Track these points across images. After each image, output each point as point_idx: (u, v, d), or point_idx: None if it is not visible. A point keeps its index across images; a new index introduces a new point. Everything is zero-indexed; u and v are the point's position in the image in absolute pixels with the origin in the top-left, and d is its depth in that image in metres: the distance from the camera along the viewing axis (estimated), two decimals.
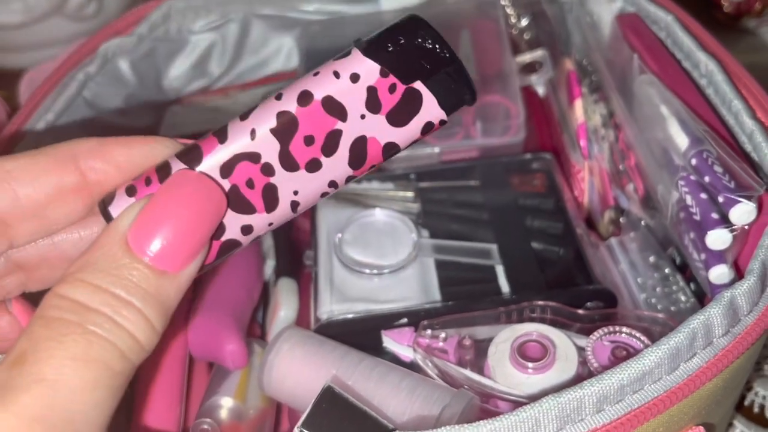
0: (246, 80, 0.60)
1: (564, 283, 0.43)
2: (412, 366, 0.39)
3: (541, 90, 0.59)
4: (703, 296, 0.41)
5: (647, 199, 0.44)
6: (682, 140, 0.38)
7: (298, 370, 0.37)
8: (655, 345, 0.28)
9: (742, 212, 0.33)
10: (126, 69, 0.53)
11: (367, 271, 0.43)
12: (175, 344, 0.40)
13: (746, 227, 0.34)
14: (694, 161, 0.37)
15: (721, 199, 0.34)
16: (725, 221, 0.34)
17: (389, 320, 0.41)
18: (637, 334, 0.37)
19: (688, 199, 0.37)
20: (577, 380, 0.36)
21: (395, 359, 0.40)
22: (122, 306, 0.23)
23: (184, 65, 0.58)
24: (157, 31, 0.55)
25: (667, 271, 0.43)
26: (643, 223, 0.45)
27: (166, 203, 0.25)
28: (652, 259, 0.44)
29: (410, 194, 0.48)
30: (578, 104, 0.50)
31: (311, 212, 0.48)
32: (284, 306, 0.45)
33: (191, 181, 0.25)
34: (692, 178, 0.37)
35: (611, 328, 0.38)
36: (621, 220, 0.47)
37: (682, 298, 0.42)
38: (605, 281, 0.42)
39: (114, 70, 0.53)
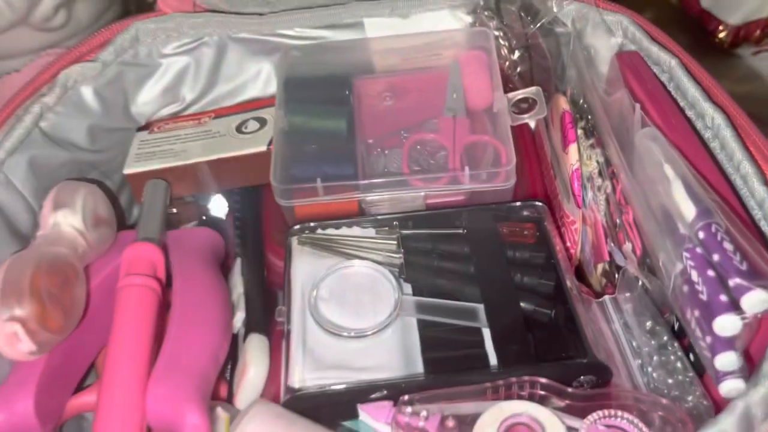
0: (221, 106, 0.56)
1: (554, 350, 0.40)
2: None
3: (532, 124, 0.56)
4: (702, 369, 0.38)
5: (645, 259, 0.41)
6: (688, 209, 0.35)
7: None
8: None
9: (756, 301, 0.30)
10: (89, 97, 0.50)
11: (345, 333, 0.40)
12: (131, 412, 0.36)
13: (759, 315, 0.31)
14: (701, 234, 0.34)
15: (731, 284, 0.31)
16: (735, 306, 0.31)
17: (367, 393, 0.37)
18: (635, 420, 0.34)
19: (694, 275, 0.34)
20: None
21: None
22: None
23: (154, 90, 0.54)
24: (125, 55, 0.51)
25: (664, 338, 0.40)
26: (640, 284, 0.42)
27: None
28: (648, 324, 0.41)
29: (392, 243, 0.45)
30: (573, 149, 0.47)
31: (286, 261, 0.45)
32: (254, 366, 0.42)
33: None
34: (699, 251, 0.34)
35: (607, 412, 0.35)
36: (616, 275, 0.44)
37: (680, 368, 0.39)
38: (598, 348, 0.39)
39: (75, 99, 0.49)
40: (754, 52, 0.75)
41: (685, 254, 0.35)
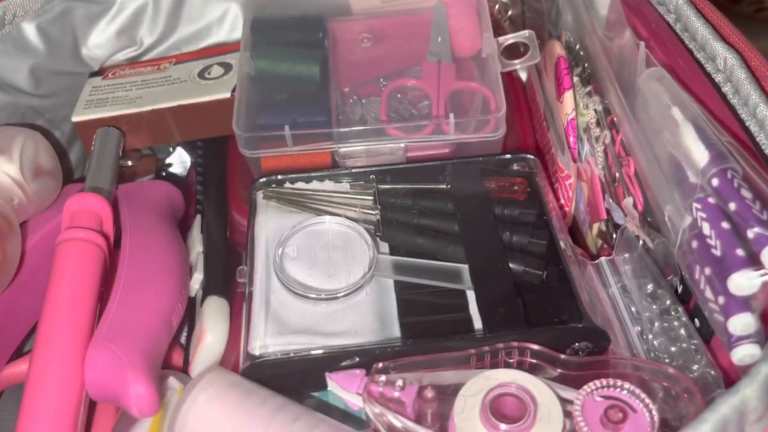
0: (182, 51, 0.51)
1: (547, 315, 0.36)
2: (362, 419, 0.32)
3: (524, 74, 0.52)
4: (709, 335, 0.35)
5: (647, 216, 0.37)
6: (700, 154, 0.31)
7: (218, 427, 0.30)
8: None
9: None
10: (32, 34, 0.44)
11: (313, 295, 0.36)
12: (66, 381, 0.32)
13: None
14: (715, 182, 0.30)
15: (750, 234, 0.27)
16: (753, 261, 0.28)
17: (336, 360, 0.33)
18: (637, 391, 0.30)
19: (705, 228, 0.30)
20: None
21: (342, 410, 0.33)
22: None
23: (107, 31, 0.49)
24: None
25: (667, 302, 0.36)
26: (641, 243, 0.38)
27: None
28: (649, 287, 0.37)
29: (368, 198, 0.41)
30: (568, 97, 0.42)
31: (249, 217, 0.40)
32: (211, 331, 0.37)
33: None
34: (711, 201, 0.30)
35: (605, 382, 0.31)
36: (613, 236, 0.40)
37: (684, 335, 0.35)
38: (595, 312, 0.36)
39: (16, 36, 0.44)
40: (756, 10, 0.71)
41: (696, 205, 0.31)
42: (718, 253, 0.29)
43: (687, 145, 0.32)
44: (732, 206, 0.29)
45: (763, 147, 0.33)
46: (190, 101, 0.46)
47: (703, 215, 0.30)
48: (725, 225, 0.29)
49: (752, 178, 0.29)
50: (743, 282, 0.28)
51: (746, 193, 0.29)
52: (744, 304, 0.28)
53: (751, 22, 0.70)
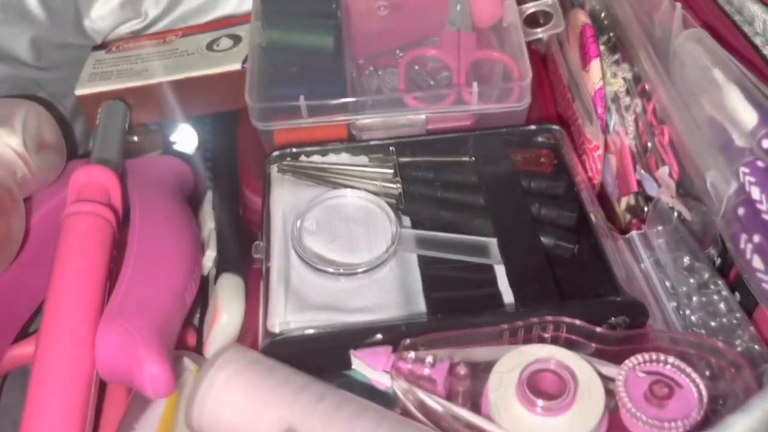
0: (189, 24, 0.49)
1: (581, 290, 0.34)
2: (390, 398, 0.30)
3: (541, 47, 0.50)
4: (752, 308, 0.33)
5: (683, 185, 0.36)
6: (748, 115, 0.29)
7: (238, 408, 0.28)
8: (742, 411, 0.20)
9: None
10: (33, 3, 0.43)
11: (332, 270, 0.34)
12: (75, 360, 0.30)
13: None
14: (765, 143, 0.28)
15: None
16: None
17: (361, 337, 0.32)
18: (683, 366, 0.29)
19: (755, 192, 0.28)
20: (601, 426, 0.28)
21: (368, 388, 0.31)
22: None
23: (110, 3, 0.47)
24: None
25: (706, 276, 0.35)
26: (675, 215, 0.36)
27: None
28: (686, 260, 0.35)
29: (389, 171, 0.39)
30: (595, 66, 0.41)
31: (264, 192, 0.39)
32: (226, 310, 0.35)
33: None
34: (760, 164, 0.29)
35: (648, 356, 0.29)
36: (645, 209, 0.39)
37: (724, 309, 0.34)
38: (632, 287, 0.34)
39: (17, 4, 0.42)
40: None
41: (743, 170, 0.29)
42: (767, 217, 0.28)
43: (732, 107, 0.30)
44: None
45: None
46: (198, 73, 0.44)
47: (752, 179, 0.29)
48: None
49: None
50: None
51: None
52: None
53: None
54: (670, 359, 0.29)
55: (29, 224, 0.37)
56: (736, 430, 0.19)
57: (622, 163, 0.40)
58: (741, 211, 0.30)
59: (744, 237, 0.30)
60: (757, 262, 0.29)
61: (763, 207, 0.28)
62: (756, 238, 0.29)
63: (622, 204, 0.41)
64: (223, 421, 0.28)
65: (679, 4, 0.35)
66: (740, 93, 0.30)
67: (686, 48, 0.34)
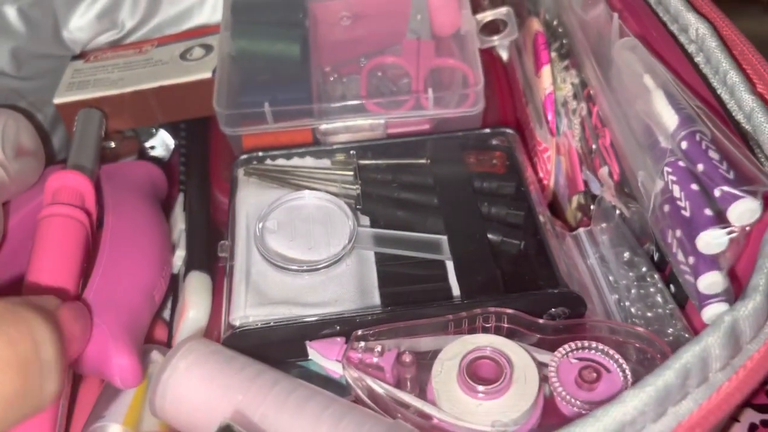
0: (164, 34, 0.51)
1: (524, 283, 0.36)
2: (344, 386, 0.33)
3: (504, 54, 0.52)
4: (684, 300, 0.35)
5: (623, 185, 0.38)
6: (670, 118, 0.31)
7: (197, 394, 0.30)
8: (638, 386, 0.22)
9: (744, 210, 0.27)
10: (12, 16, 0.45)
11: (294, 267, 0.36)
12: None
13: (747, 228, 0.28)
14: (684, 144, 0.30)
15: (717, 193, 0.28)
16: (720, 220, 0.28)
17: (316, 329, 0.34)
18: (611, 352, 0.31)
19: (676, 190, 0.31)
20: (536, 407, 0.31)
21: (324, 378, 0.33)
22: None
23: (88, 14, 0.49)
24: None
25: (643, 269, 0.37)
26: (617, 212, 0.38)
27: None
28: (626, 255, 0.38)
29: (350, 173, 0.41)
30: (546, 72, 0.43)
31: (231, 194, 0.41)
32: (194, 305, 0.38)
33: None
34: (681, 164, 0.31)
35: (579, 344, 0.32)
36: (592, 207, 0.41)
37: (660, 300, 0.36)
38: (572, 280, 0.36)
39: None
40: None
41: (667, 169, 0.31)
42: (687, 214, 0.30)
43: (658, 111, 0.32)
44: (700, 167, 0.29)
45: (733, 113, 0.34)
46: (171, 82, 0.46)
47: (674, 178, 0.31)
48: (694, 186, 0.30)
49: (720, 140, 0.29)
50: (711, 240, 0.28)
51: (714, 155, 0.29)
52: (712, 263, 0.29)
53: (736, 3, 0.70)
54: (599, 346, 0.31)
55: (7, 227, 0.39)
56: (630, 402, 0.21)
57: (571, 164, 0.42)
58: (666, 207, 0.32)
59: (670, 232, 0.32)
60: (680, 255, 0.31)
61: (682, 204, 0.30)
62: (678, 233, 0.31)
63: (573, 203, 0.44)
64: (184, 406, 0.30)
65: (616, 15, 0.37)
66: (665, 97, 0.32)
67: (622, 56, 0.36)
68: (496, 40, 0.46)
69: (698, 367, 0.22)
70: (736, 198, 0.27)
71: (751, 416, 0.40)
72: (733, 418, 0.40)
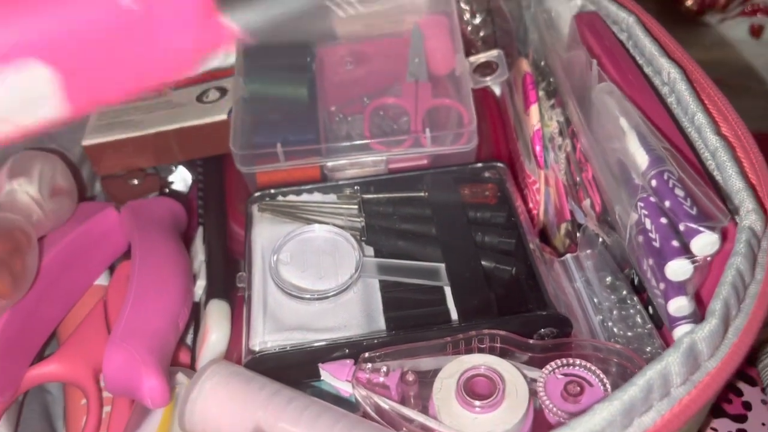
0: None
1: (516, 306, 0.40)
2: (353, 403, 0.36)
3: (497, 91, 0.56)
4: (661, 321, 0.38)
5: (604, 216, 0.41)
6: (641, 158, 0.35)
7: (222, 412, 0.34)
8: (607, 400, 0.25)
9: (705, 243, 0.31)
10: None
11: (307, 296, 0.40)
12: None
13: (709, 258, 0.31)
14: (654, 182, 0.34)
15: (682, 228, 0.32)
16: (686, 251, 0.32)
17: (328, 352, 0.37)
18: (593, 368, 0.35)
19: (647, 223, 0.34)
20: (527, 419, 0.34)
21: (334, 396, 0.37)
22: None
23: None
24: None
25: (624, 293, 0.40)
26: (600, 240, 0.42)
27: None
28: (608, 279, 0.41)
29: (354, 207, 0.45)
30: (534, 110, 0.47)
31: (246, 228, 0.44)
32: (215, 331, 0.41)
33: None
34: (652, 200, 0.34)
35: (564, 361, 0.35)
36: (578, 235, 0.44)
37: (639, 321, 0.39)
38: (559, 303, 0.40)
39: None
40: (720, 20, 0.75)
41: (639, 204, 0.35)
42: (657, 245, 0.33)
43: (631, 151, 0.36)
44: (667, 203, 0.33)
45: (700, 151, 0.37)
46: (190, 124, 0.50)
47: (646, 212, 0.35)
48: (663, 220, 0.33)
49: (685, 180, 0.33)
50: (678, 269, 0.32)
51: (679, 192, 0.33)
52: (680, 288, 0.32)
53: (690, 24, 0.74)
54: (582, 362, 0.35)
55: (43, 261, 0.42)
56: (599, 414, 0.25)
57: (558, 194, 0.46)
58: (640, 238, 0.35)
59: (644, 261, 0.35)
60: (653, 281, 0.35)
61: (653, 235, 0.34)
62: (650, 261, 0.34)
63: (562, 231, 0.47)
64: (210, 422, 0.33)
65: (594, 61, 0.41)
66: (638, 139, 0.36)
67: (600, 99, 0.40)
68: (488, 80, 0.50)
69: (660, 383, 0.26)
70: (698, 232, 0.31)
71: (727, 426, 0.43)
72: (711, 428, 0.43)
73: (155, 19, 0.25)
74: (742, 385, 0.46)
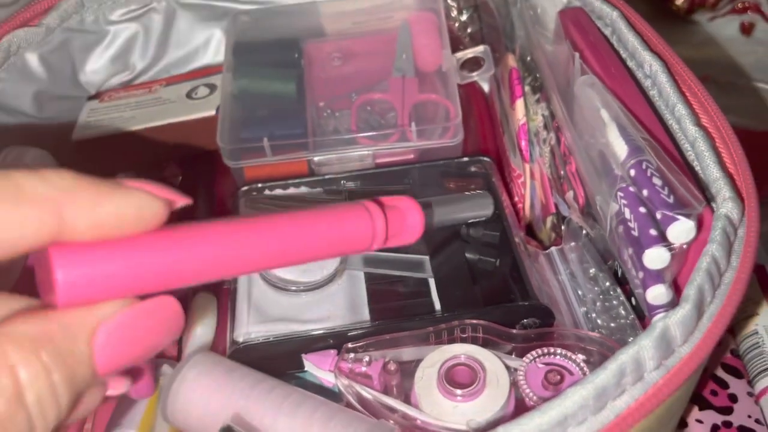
0: (172, 73, 0.56)
1: (499, 297, 0.40)
2: (336, 394, 0.36)
3: (485, 86, 0.56)
4: (643, 312, 0.39)
5: (587, 208, 0.42)
6: (621, 148, 0.35)
7: (205, 401, 0.34)
8: (579, 384, 0.26)
9: (680, 230, 0.31)
10: (35, 63, 0.49)
11: (292, 288, 0.40)
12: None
13: (685, 246, 0.31)
14: (632, 172, 0.34)
15: (659, 216, 0.32)
16: (664, 239, 0.32)
17: (311, 343, 0.38)
18: (573, 356, 0.35)
19: (627, 213, 0.34)
20: (508, 408, 0.34)
21: (318, 386, 0.37)
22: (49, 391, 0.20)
23: (102, 58, 0.53)
24: (70, 21, 0.50)
25: (607, 284, 0.41)
26: (584, 232, 0.42)
27: (146, 329, 0.22)
28: (592, 271, 0.41)
29: (340, 201, 0.45)
30: (519, 105, 0.47)
31: None
32: (200, 324, 0.42)
33: (173, 313, 0.22)
34: (631, 189, 0.35)
35: (545, 350, 0.35)
36: (562, 228, 0.45)
37: (623, 312, 0.40)
38: (542, 294, 0.40)
39: (21, 65, 0.48)
40: (710, 18, 0.76)
41: (619, 194, 0.35)
42: (636, 233, 0.33)
43: (611, 142, 0.36)
44: (645, 192, 0.33)
45: (680, 142, 0.38)
46: (178, 120, 0.50)
47: (625, 202, 0.35)
48: (642, 209, 0.34)
49: (662, 169, 0.33)
50: (655, 256, 0.32)
51: (657, 181, 0.33)
52: (658, 276, 0.33)
53: (680, 22, 0.75)
54: (561, 351, 0.35)
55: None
56: (570, 398, 0.25)
57: (543, 188, 0.46)
58: (620, 228, 0.36)
59: (625, 251, 0.36)
60: (633, 271, 0.35)
61: (632, 225, 0.34)
62: (630, 250, 0.35)
63: (547, 224, 0.47)
64: (192, 411, 0.34)
65: (577, 54, 0.42)
66: (617, 129, 0.36)
67: (582, 91, 0.40)
68: (475, 76, 0.50)
69: (632, 367, 0.26)
70: (674, 220, 0.31)
71: (713, 418, 0.44)
72: (697, 420, 0.44)
73: None
74: (728, 377, 0.46)
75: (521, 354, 0.37)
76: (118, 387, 0.26)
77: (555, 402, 0.25)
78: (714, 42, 0.75)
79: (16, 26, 0.48)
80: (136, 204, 0.21)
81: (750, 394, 0.45)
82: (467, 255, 0.41)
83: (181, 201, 0.23)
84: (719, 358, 0.47)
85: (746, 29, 0.73)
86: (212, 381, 0.34)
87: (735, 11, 0.73)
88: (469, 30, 0.54)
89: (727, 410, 0.44)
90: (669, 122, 0.39)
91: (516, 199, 0.47)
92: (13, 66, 0.48)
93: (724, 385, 0.45)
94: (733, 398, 0.45)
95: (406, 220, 0.29)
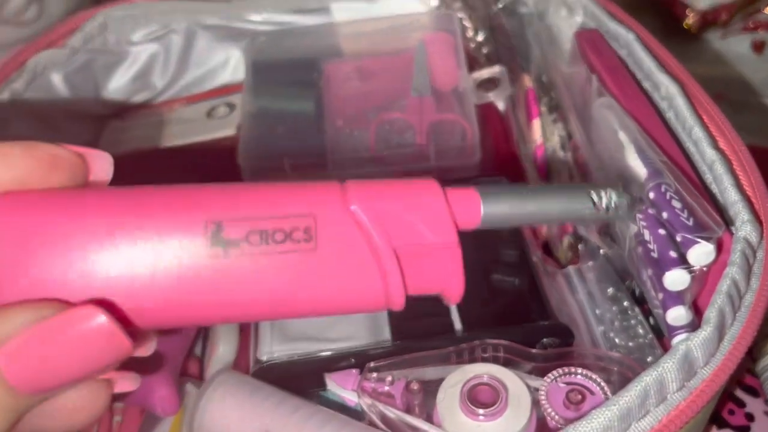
0: (192, 92, 0.57)
1: (519, 317, 0.40)
2: (359, 413, 0.37)
3: (501, 106, 0.57)
4: (662, 331, 0.39)
5: (605, 228, 0.42)
6: (640, 171, 0.36)
7: (230, 420, 0.34)
8: (604, 405, 0.26)
9: (701, 253, 0.31)
10: (59, 82, 0.50)
11: None
12: None
13: (705, 268, 0.32)
14: (652, 195, 0.35)
15: (679, 238, 0.32)
16: (683, 261, 0.32)
17: (334, 362, 0.38)
18: (594, 376, 0.35)
19: (646, 234, 0.35)
20: (530, 427, 0.35)
21: (341, 405, 0.38)
22: None
23: (124, 78, 0.54)
24: (93, 42, 0.52)
25: (625, 303, 0.41)
26: (601, 252, 0.43)
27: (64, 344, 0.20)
28: (610, 290, 0.42)
29: None
30: (536, 124, 0.48)
31: None
32: (223, 342, 0.42)
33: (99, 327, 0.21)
34: (650, 211, 0.35)
35: (566, 369, 0.36)
36: (579, 247, 0.45)
37: (641, 332, 0.40)
38: (561, 314, 0.40)
39: (46, 85, 0.49)
40: (722, 36, 0.76)
41: (639, 216, 0.36)
42: (655, 255, 0.34)
43: (630, 164, 0.37)
44: (665, 215, 0.33)
45: (698, 165, 0.38)
46: (199, 139, 0.51)
47: (644, 224, 0.35)
48: (661, 231, 0.34)
49: (681, 192, 0.34)
50: (676, 278, 0.32)
51: (676, 204, 0.33)
52: (678, 298, 0.33)
53: (692, 39, 0.75)
54: (584, 371, 0.35)
55: None
56: (596, 419, 0.25)
57: None
58: (639, 249, 0.36)
59: (644, 271, 0.36)
60: (652, 291, 0.35)
61: (651, 246, 0.34)
62: (649, 272, 0.35)
63: (564, 243, 0.48)
64: (217, 429, 0.34)
65: (594, 76, 0.42)
66: (636, 152, 0.37)
67: (600, 113, 0.41)
68: (491, 96, 0.51)
69: (656, 389, 0.27)
70: (694, 243, 0.32)
71: None
72: None
73: None
74: (745, 396, 0.46)
75: (541, 373, 0.37)
76: (125, 385, 0.25)
77: (580, 424, 0.25)
78: (725, 59, 0.76)
79: (42, 47, 0.49)
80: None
81: (767, 413, 0.45)
82: (486, 274, 0.42)
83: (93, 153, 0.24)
84: (738, 379, 0.47)
85: (758, 47, 0.74)
86: (238, 400, 0.34)
87: (746, 29, 0.74)
88: (484, 50, 0.55)
89: (744, 429, 0.44)
90: (686, 144, 0.39)
91: None
92: (38, 85, 0.49)
93: (741, 404, 0.46)
94: (750, 417, 0.45)
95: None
